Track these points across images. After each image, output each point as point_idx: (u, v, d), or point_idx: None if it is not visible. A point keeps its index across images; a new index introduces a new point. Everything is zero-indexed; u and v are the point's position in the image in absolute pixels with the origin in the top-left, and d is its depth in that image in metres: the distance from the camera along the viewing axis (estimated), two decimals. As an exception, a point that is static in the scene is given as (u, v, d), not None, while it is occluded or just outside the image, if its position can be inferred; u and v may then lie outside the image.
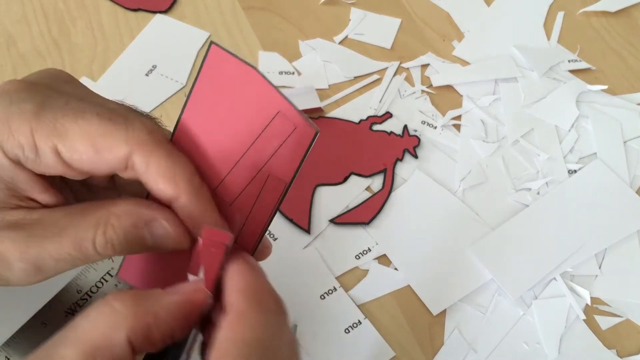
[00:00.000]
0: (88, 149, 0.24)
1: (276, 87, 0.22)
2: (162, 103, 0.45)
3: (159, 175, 0.24)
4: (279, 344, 0.21)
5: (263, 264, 0.39)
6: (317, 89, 0.46)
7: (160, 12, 0.50)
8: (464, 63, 0.48)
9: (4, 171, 0.24)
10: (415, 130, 0.44)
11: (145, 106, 0.45)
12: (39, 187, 0.25)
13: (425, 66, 0.48)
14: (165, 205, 0.25)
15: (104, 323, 0.21)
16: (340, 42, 0.49)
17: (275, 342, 0.21)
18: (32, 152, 0.24)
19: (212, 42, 0.23)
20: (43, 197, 0.26)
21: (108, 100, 0.26)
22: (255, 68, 0.22)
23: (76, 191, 0.29)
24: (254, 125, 0.23)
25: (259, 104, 0.22)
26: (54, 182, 0.27)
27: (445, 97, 0.46)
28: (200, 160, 0.24)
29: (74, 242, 0.24)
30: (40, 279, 0.25)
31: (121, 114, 0.24)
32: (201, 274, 0.23)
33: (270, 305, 0.22)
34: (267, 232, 0.40)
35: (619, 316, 0.38)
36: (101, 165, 0.24)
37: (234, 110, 0.23)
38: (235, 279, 0.22)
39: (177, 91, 0.46)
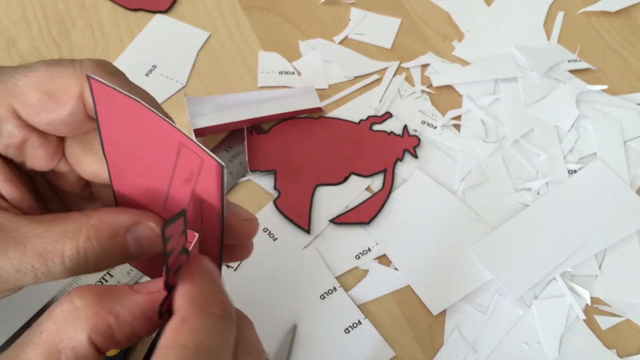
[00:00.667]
0: (42, 96, 0.23)
1: (167, 119, 0.20)
2: (162, 103, 0.45)
3: None
4: (220, 349, 0.21)
5: (264, 263, 0.39)
6: (317, 89, 0.46)
7: (160, 12, 0.50)
8: (464, 63, 0.48)
9: None
10: (415, 130, 0.44)
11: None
12: (3, 175, 0.24)
13: (425, 66, 0.48)
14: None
15: (65, 322, 0.20)
16: (340, 42, 0.49)
17: (216, 347, 0.20)
18: None
19: (88, 77, 0.21)
20: (7, 187, 0.25)
21: None
22: (139, 101, 0.20)
23: (49, 202, 0.28)
24: (166, 159, 0.21)
25: (160, 137, 0.21)
26: (26, 186, 0.26)
27: (445, 97, 0.46)
28: (138, 197, 0.23)
29: (38, 253, 0.22)
30: None
31: (69, 59, 0.24)
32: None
33: (213, 310, 0.21)
34: (267, 231, 0.40)
35: (619, 316, 0.38)
36: (60, 112, 0.23)
37: (143, 143, 0.21)
38: (183, 282, 0.21)
39: (177, 91, 0.46)
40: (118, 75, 0.24)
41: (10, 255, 0.22)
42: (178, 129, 0.20)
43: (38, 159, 0.25)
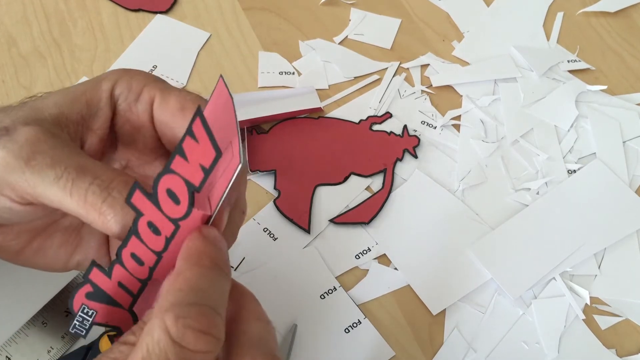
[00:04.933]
0: (177, 105, 0.28)
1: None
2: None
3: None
4: (214, 291, 0.22)
5: (264, 263, 0.39)
6: (317, 89, 0.46)
7: (161, 12, 0.50)
8: (464, 63, 0.48)
9: (98, 99, 0.28)
10: (415, 130, 0.44)
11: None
12: (102, 131, 0.28)
13: (425, 66, 0.48)
14: None
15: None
16: (340, 42, 0.49)
17: (209, 288, 0.22)
18: (134, 95, 0.28)
19: (221, 77, 0.24)
20: (94, 142, 0.28)
21: None
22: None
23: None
24: None
25: None
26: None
27: (445, 97, 0.46)
28: None
29: (77, 166, 0.24)
30: (18, 178, 0.24)
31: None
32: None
33: (204, 263, 0.23)
34: (267, 231, 0.40)
35: (618, 316, 0.38)
36: (179, 120, 0.28)
37: None
38: (183, 248, 0.24)
39: (178, 91, 0.46)
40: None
41: (56, 151, 0.25)
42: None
43: (142, 145, 0.30)
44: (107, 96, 0.28)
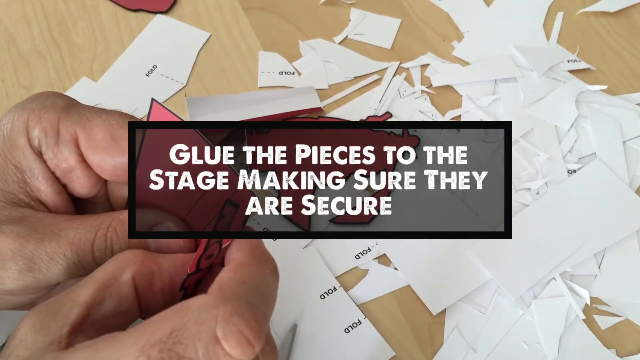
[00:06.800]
0: (106, 136, 0.26)
1: None
2: (162, 103, 0.45)
3: None
4: (270, 298, 0.23)
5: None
6: (317, 89, 0.46)
7: (161, 12, 0.50)
8: (464, 63, 0.48)
9: (24, 159, 0.26)
10: (415, 131, 0.44)
11: (145, 106, 0.45)
12: (52, 186, 0.26)
13: (425, 66, 0.48)
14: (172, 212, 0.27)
15: (114, 266, 0.23)
16: (340, 42, 0.49)
17: (267, 294, 0.23)
18: (53, 137, 0.26)
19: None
20: (52, 199, 0.27)
21: None
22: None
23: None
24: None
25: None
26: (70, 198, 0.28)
27: (445, 97, 0.46)
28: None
29: (71, 242, 0.24)
30: (31, 281, 0.25)
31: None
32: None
33: (268, 265, 0.24)
34: (267, 230, 0.40)
35: (618, 316, 0.38)
36: (116, 154, 0.26)
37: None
38: (242, 242, 0.25)
39: (178, 91, 0.46)
40: None
41: (47, 244, 0.24)
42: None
43: (79, 187, 0.27)
44: (30, 152, 0.26)
